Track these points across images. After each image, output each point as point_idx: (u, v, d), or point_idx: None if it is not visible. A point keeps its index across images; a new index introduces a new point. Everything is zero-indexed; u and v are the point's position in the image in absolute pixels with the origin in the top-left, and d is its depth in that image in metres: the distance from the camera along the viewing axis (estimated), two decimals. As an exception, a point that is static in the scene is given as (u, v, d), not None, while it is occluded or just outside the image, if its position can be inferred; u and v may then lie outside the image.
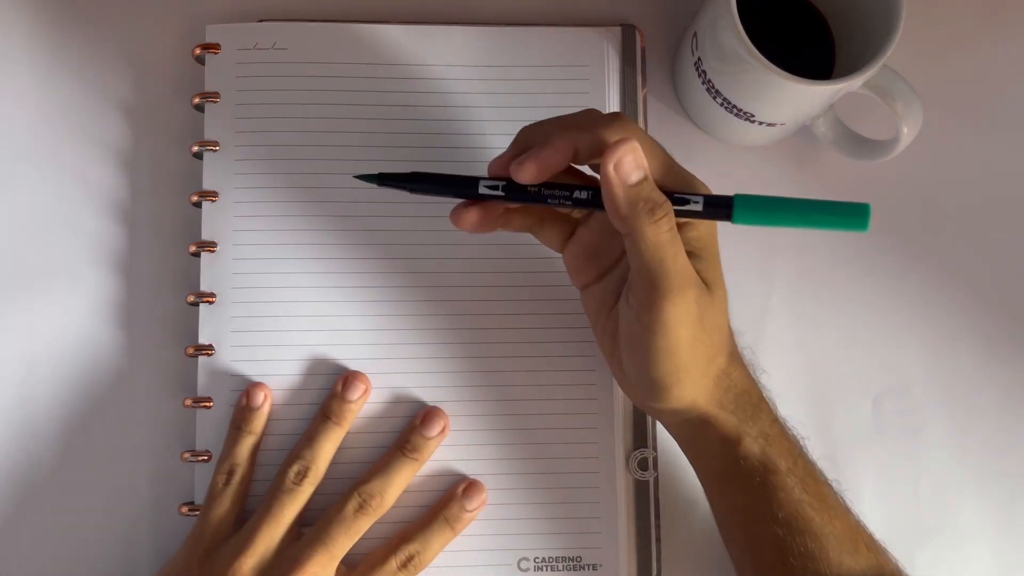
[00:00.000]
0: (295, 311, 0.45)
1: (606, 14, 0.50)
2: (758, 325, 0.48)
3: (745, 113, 0.45)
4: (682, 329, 0.37)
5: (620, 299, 0.39)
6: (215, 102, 0.46)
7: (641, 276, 0.36)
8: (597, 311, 0.41)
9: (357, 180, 0.41)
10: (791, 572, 0.39)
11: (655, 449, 0.46)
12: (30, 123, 0.47)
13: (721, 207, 0.36)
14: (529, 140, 0.38)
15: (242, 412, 0.44)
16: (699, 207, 0.36)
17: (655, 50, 0.50)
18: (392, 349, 0.45)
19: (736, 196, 0.36)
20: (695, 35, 0.45)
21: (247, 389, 0.44)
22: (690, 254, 0.37)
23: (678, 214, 0.36)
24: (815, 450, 0.44)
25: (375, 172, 0.40)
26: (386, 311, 0.46)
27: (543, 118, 0.40)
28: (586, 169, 0.41)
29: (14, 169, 0.47)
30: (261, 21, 0.48)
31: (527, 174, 0.37)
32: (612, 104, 0.47)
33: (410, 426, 0.44)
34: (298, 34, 0.47)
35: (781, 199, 0.35)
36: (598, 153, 0.36)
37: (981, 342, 0.49)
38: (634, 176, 0.35)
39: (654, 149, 0.37)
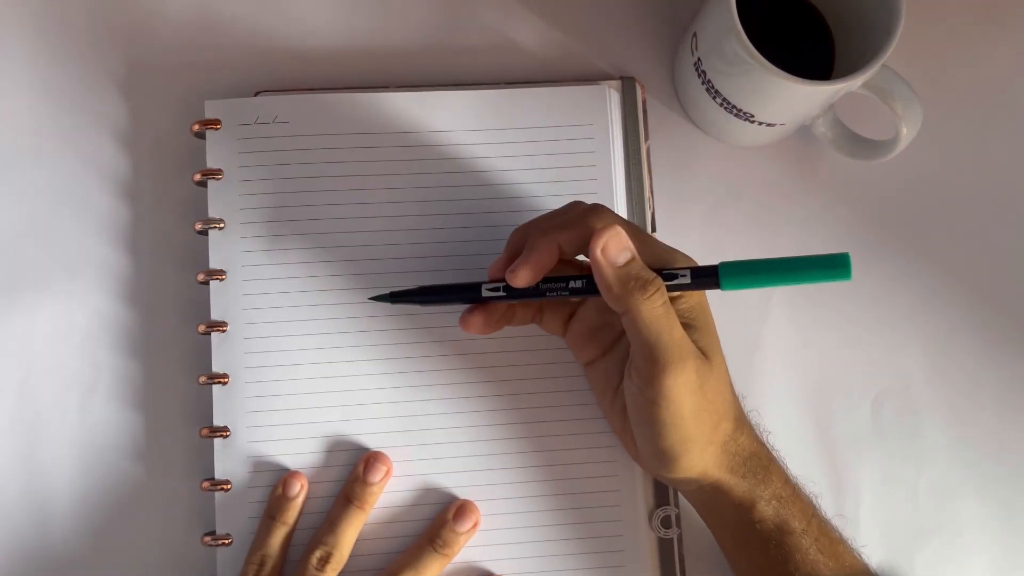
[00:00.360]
0: (310, 388, 0.45)
1: (605, 62, 0.49)
2: (758, 326, 0.48)
3: (745, 113, 0.45)
4: (684, 399, 0.38)
5: (624, 375, 0.40)
6: (218, 179, 0.46)
7: (640, 351, 0.38)
8: (604, 388, 0.43)
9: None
10: None
11: (677, 506, 0.45)
12: (31, 203, 0.47)
13: (708, 276, 0.38)
14: (519, 243, 0.41)
15: (277, 501, 0.43)
16: (687, 280, 0.38)
17: (656, 50, 0.50)
18: (410, 421, 0.45)
19: (720, 264, 0.37)
20: (695, 35, 0.45)
21: (283, 479, 0.43)
22: (685, 326, 0.38)
23: (668, 288, 0.38)
24: (815, 459, 0.44)
25: (386, 291, 0.44)
26: (402, 383, 0.45)
27: (549, 178, 0.46)
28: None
29: (13, 248, 0.47)
30: (258, 94, 0.47)
31: (521, 279, 0.39)
32: (616, 158, 0.47)
33: (440, 520, 0.44)
34: (298, 106, 0.46)
35: (764, 261, 0.37)
36: (584, 245, 0.39)
37: (981, 342, 0.49)
38: (621, 258, 0.37)
39: (635, 232, 0.39)
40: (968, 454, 0.48)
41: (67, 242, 0.47)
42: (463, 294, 0.43)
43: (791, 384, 0.48)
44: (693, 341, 0.38)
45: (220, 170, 0.46)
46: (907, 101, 0.43)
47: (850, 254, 0.34)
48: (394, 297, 0.44)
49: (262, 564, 0.42)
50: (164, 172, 0.48)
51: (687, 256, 0.40)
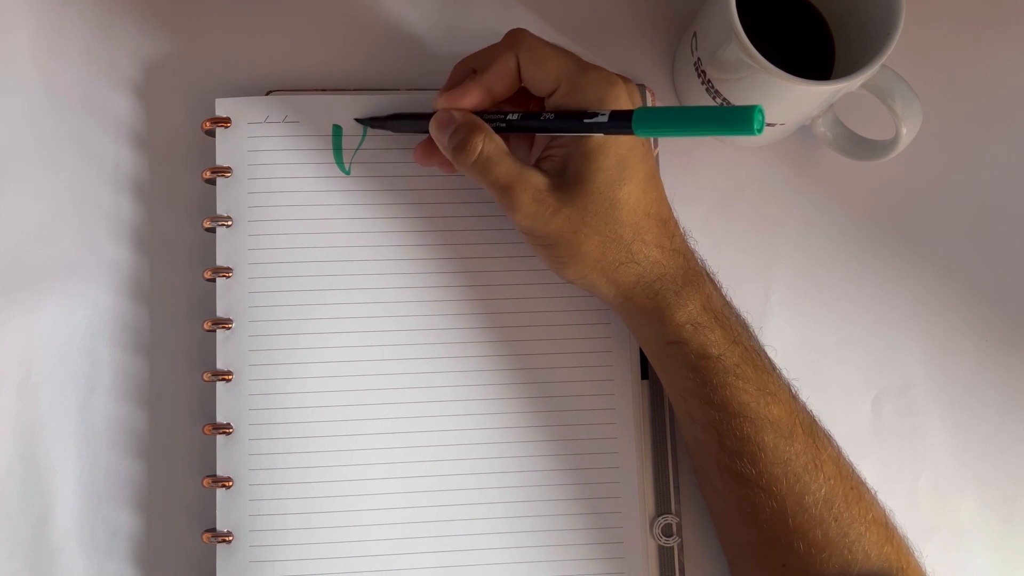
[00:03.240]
0: (314, 387, 0.45)
1: (605, 62, 0.48)
2: (758, 325, 0.48)
3: (745, 113, 0.45)
4: (533, 226, 0.41)
5: None
6: (227, 176, 0.46)
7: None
8: None
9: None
10: (728, 454, 0.41)
11: (679, 515, 0.46)
12: (39, 200, 0.47)
13: (623, 120, 0.38)
14: (455, 77, 0.43)
15: None
16: (605, 119, 0.39)
17: (656, 50, 0.50)
18: (414, 423, 0.45)
19: (637, 110, 0.38)
20: (695, 35, 0.45)
21: None
22: (546, 165, 0.41)
23: (587, 128, 0.39)
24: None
25: (367, 117, 0.46)
26: (407, 384, 0.45)
27: None
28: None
29: (21, 246, 0.46)
30: (269, 93, 0.47)
31: (438, 103, 0.42)
32: None
33: None
34: (309, 106, 0.46)
35: (676, 108, 0.37)
36: (509, 81, 0.42)
37: (981, 342, 0.49)
38: (443, 137, 0.42)
39: (555, 59, 0.41)
40: (968, 454, 0.48)
41: (74, 239, 0.47)
42: (425, 121, 0.44)
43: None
44: (562, 182, 0.40)
45: (229, 168, 0.46)
46: (907, 101, 0.43)
47: (762, 107, 0.34)
48: (373, 122, 0.46)
49: None
50: (174, 169, 0.48)
51: (628, 84, 0.41)
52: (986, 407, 0.49)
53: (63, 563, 0.45)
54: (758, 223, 0.49)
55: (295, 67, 0.49)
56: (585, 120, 0.39)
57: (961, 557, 0.48)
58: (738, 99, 0.44)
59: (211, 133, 0.46)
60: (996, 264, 0.50)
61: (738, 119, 0.34)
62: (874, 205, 0.50)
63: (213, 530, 0.44)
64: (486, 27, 0.49)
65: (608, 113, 0.39)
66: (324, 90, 0.48)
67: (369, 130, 0.47)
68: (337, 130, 0.46)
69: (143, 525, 0.45)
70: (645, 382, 0.46)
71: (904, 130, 0.44)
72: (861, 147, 0.47)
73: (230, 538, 0.44)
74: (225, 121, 0.46)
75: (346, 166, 0.46)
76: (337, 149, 0.46)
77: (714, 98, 0.45)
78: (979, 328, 0.49)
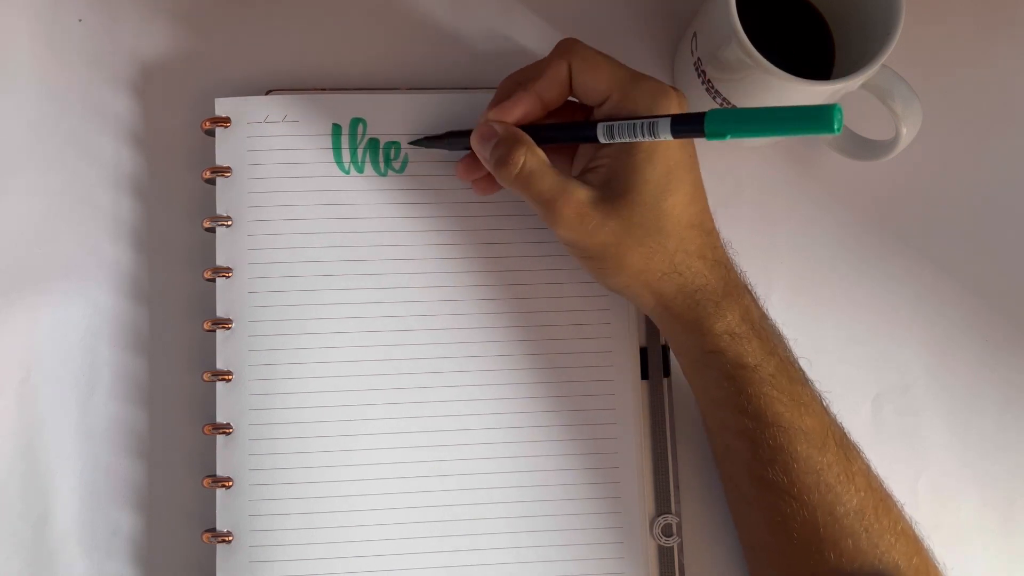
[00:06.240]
0: (314, 387, 0.45)
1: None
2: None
3: (745, 113, 0.45)
4: (576, 239, 0.41)
5: None
6: (227, 176, 0.46)
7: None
8: None
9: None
10: (760, 462, 0.41)
11: (679, 515, 0.46)
12: (39, 200, 0.47)
13: (693, 124, 0.36)
14: (502, 92, 0.43)
15: None
16: (668, 125, 0.37)
17: (656, 50, 0.50)
18: (415, 423, 0.45)
19: (709, 112, 0.36)
20: (695, 35, 0.46)
21: None
22: (593, 170, 0.41)
23: (654, 130, 0.37)
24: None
25: (422, 137, 0.46)
26: (407, 384, 0.45)
27: None
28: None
29: (20, 246, 0.46)
30: (269, 93, 0.47)
31: (488, 116, 0.42)
32: None
33: None
34: (308, 106, 0.46)
35: (752, 110, 0.35)
36: (561, 89, 0.41)
37: (981, 342, 0.49)
38: (485, 150, 0.41)
39: (608, 67, 0.41)
40: (968, 454, 0.48)
41: (74, 239, 0.47)
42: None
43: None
44: (607, 194, 0.40)
45: (229, 168, 0.46)
46: (907, 101, 0.43)
47: (840, 106, 0.32)
48: (428, 141, 0.46)
49: None
50: (173, 169, 0.48)
51: (680, 95, 0.40)
52: (987, 407, 0.49)
53: (63, 563, 0.45)
54: (758, 223, 0.49)
55: (295, 67, 0.49)
56: (652, 121, 0.38)
57: (961, 557, 0.47)
58: (738, 99, 0.44)
59: (211, 133, 0.46)
60: (996, 264, 0.50)
61: (819, 119, 0.33)
62: (874, 205, 0.50)
63: (213, 530, 0.44)
64: (487, 27, 0.50)
65: (674, 116, 0.37)
66: (324, 90, 0.48)
67: (368, 132, 0.47)
68: (337, 129, 0.46)
69: (143, 525, 0.45)
70: (645, 382, 0.47)
71: (904, 130, 0.44)
72: (861, 147, 0.47)
73: (230, 538, 0.44)
74: (225, 121, 0.46)
75: (346, 165, 0.46)
76: (337, 148, 0.46)
77: (714, 98, 0.45)
78: (979, 328, 0.49)
